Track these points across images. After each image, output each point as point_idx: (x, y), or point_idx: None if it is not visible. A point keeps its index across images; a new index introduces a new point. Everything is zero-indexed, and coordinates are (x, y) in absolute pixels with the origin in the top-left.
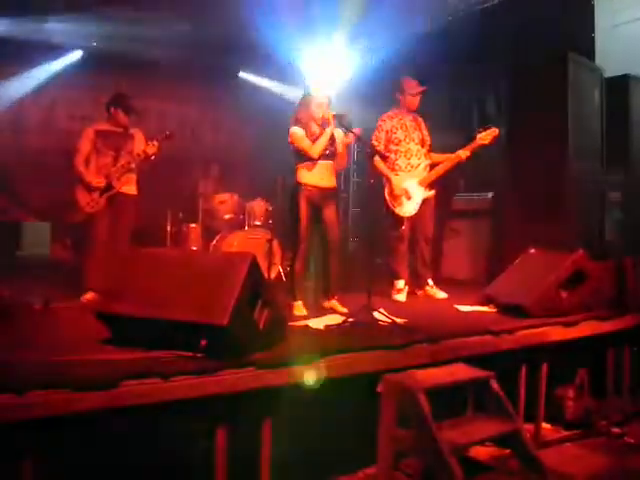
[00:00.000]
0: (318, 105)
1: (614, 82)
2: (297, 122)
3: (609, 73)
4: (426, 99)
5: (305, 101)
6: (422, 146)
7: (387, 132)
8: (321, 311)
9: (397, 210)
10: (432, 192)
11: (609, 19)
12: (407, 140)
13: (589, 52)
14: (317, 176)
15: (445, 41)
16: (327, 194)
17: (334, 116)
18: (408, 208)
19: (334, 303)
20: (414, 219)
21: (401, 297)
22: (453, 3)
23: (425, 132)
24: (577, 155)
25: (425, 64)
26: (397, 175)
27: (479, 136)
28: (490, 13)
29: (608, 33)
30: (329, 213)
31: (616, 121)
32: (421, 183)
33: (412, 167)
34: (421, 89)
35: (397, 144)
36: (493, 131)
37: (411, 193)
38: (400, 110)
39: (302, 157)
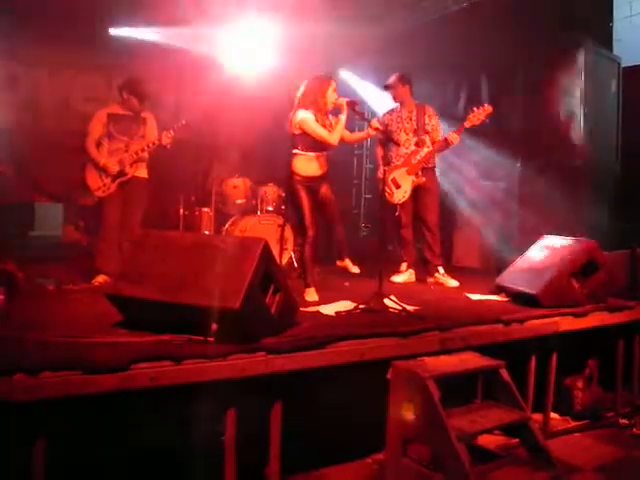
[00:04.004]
0: (334, 90)
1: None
2: (307, 107)
3: (626, 62)
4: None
5: (319, 86)
6: (416, 136)
7: (385, 125)
8: (336, 270)
9: (389, 198)
10: (422, 179)
11: (626, 9)
12: (398, 131)
13: (607, 41)
14: (314, 166)
15: (458, 26)
16: (321, 178)
17: (348, 102)
18: (397, 195)
19: (347, 262)
20: (413, 206)
21: (397, 278)
22: None
23: (428, 121)
24: (592, 146)
25: (435, 49)
26: (387, 165)
27: (469, 117)
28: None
29: (625, 23)
30: (324, 191)
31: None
32: (409, 172)
33: (400, 157)
34: (389, 82)
35: (391, 136)
36: (486, 109)
37: (399, 181)
38: (400, 105)
39: (306, 144)
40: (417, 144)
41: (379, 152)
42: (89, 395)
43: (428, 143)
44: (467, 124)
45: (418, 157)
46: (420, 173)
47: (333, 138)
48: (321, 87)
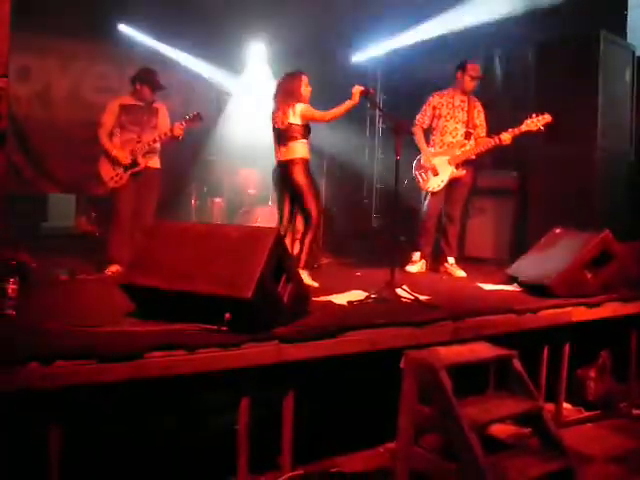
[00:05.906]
0: (307, 85)
1: None
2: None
3: None
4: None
5: (301, 80)
6: (466, 127)
7: (434, 108)
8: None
9: (421, 184)
10: (462, 172)
11: None
12: (448, 118)
13: (621, 30)
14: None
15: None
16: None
17: (362, 91)
18: (432, 183)
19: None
20: (443, 197)
21: (411, 268)
22: None
23: (477, 115)
24: (606, 134)
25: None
26: (429, 150)
27: (527, 122)
28: None
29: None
30: None
31: None
32: (450, 162)
33: (445, 145)
34: (481, 75)
35: (438, 120)
36: (545, 118)
37: (438, 169)
38: (454, 89)
39: (305, 132)
40: (465, 136)
41: (421, 138)
42: (103, 384)
43: (472, 138)
44: (524, 127)
45: (463, 149)
46: (461, 165)
47: (327, 117)
48: (296, 83)
